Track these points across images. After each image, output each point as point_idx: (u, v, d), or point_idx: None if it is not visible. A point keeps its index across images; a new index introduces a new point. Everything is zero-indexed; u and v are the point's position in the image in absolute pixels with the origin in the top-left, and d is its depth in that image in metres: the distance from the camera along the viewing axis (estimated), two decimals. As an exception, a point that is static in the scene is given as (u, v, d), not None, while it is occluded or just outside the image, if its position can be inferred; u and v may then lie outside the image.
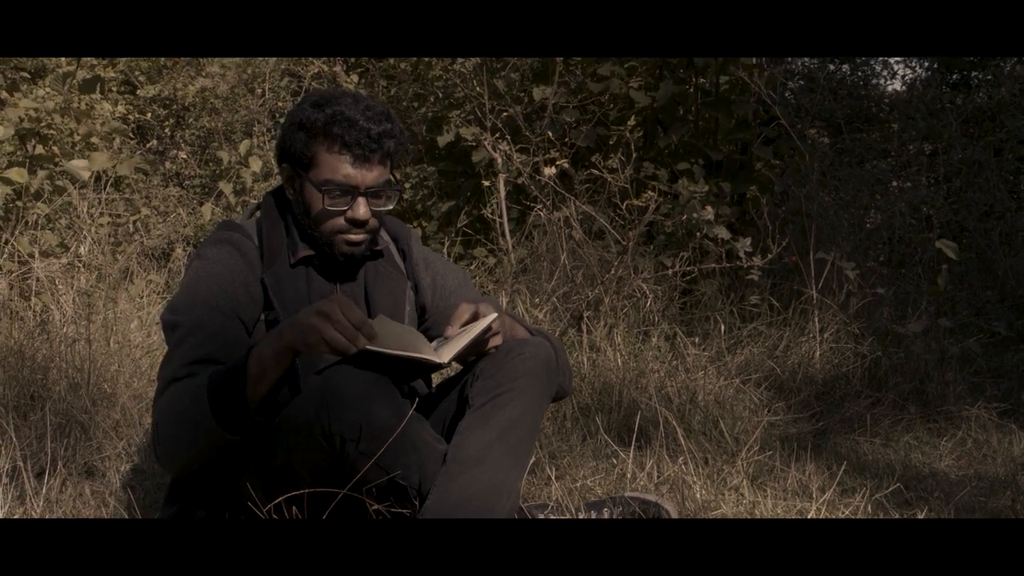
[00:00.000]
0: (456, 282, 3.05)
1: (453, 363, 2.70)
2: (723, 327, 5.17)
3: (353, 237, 2.78)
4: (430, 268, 3.04)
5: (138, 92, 8.09)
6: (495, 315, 2.68)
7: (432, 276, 3.02)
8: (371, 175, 2.75)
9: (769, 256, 5.20)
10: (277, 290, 2.76)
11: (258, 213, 2.91)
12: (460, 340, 2.61)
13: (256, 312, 2.76)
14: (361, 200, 2.76)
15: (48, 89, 5.81)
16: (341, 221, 2.77)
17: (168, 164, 7.70)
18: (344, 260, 2.81)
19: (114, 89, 7.92)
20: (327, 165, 2.74)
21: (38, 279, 4.76)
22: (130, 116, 7.78)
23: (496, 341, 2.74)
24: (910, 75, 10.41)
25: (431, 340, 2.73)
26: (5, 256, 4.69)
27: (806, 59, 9.43)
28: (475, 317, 2.70)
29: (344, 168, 2.73)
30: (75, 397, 4.03)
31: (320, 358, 2.58)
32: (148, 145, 7.87)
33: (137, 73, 8.22)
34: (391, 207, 2.85)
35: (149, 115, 8.05)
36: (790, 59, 8.89)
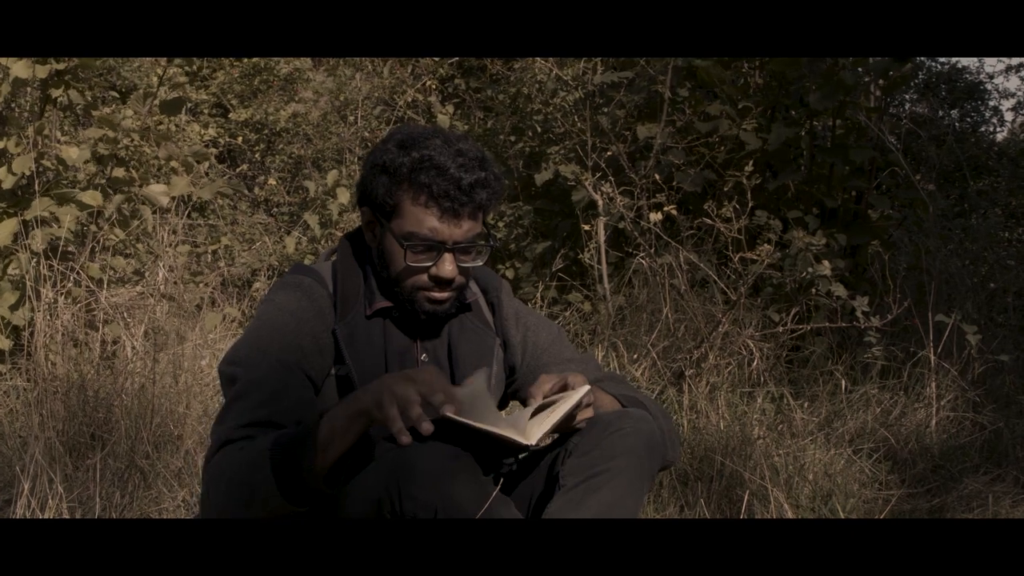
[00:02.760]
0: (549, 339, 2.75)
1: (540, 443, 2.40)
2: (843, 384, 4.92)
3: (437, 295, 2.50)
4: (521, 323, 2.75)
5: (230, 115, 7.97)
6: (587, 388, 2.40)
7: (523, 333, 2.74)
8: (460, 230, 2.47)
9: (889, 316, 4.84)
10: (350, 343, 2.51)
11: (335, 256, 2.63)
12: (548, 418, 2.31)
13: (325, 365, 2.51)
14: (447, 256, 2.48)
15: (131, 110, 5.64)
16: (424, 278, 2.49)
17: (257, 190, 7.56)
18: (426, 318, 2.52)
19: (205, 111, 7.80)
20: (411, 216, 2.46)
21: (106, 309, 4.53)
22: (220, 139, 7.65)
23: (587, 414, 2.45)
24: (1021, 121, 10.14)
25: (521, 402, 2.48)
26: (71, 282, 4.47)
27: (913, 102, 9.16)
28: (563, 388, 2.40)
29: (430, 221, 2.45)
30: (137, 439, 3.81)
31: None
32: (238, 170, 7.76)
33: (229, 96, 8.11)
34: (481, 263, 2.57)
35: (240, 139, 7.91)
36: (896, 103, 8.62)
